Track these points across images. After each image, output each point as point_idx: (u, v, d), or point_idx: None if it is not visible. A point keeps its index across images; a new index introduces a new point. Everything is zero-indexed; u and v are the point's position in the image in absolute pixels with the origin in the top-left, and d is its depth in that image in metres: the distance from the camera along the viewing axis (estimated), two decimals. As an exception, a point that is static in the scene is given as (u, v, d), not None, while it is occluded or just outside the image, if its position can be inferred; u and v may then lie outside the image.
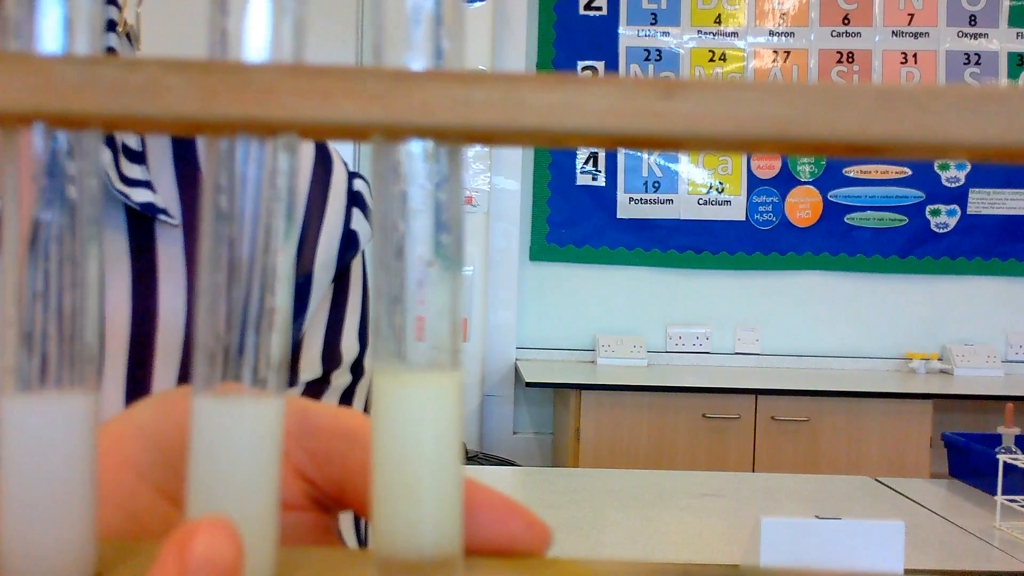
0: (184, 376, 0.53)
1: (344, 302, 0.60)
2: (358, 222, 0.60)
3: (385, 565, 0.21)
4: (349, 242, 0.60)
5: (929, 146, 0.15)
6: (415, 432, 0.20)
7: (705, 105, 0.15)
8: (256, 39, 0.19)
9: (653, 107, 0.15)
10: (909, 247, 3.54)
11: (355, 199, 0.61)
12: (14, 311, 0.19)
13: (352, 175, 0.61)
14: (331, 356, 0.59)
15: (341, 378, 0.59)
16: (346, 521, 0.55)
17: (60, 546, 0.21)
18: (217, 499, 0.21)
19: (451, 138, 0.17)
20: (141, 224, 0.53)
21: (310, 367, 0.58)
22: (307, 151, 0.59)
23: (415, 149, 0.18)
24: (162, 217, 0.52)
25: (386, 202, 0.18)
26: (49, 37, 0.18)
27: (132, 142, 0.54)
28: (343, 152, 0.63)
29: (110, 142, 0.52)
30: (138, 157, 0.54)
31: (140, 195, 0.52)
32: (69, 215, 0.19)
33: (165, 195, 0.54)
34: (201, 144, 0.56)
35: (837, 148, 0.16)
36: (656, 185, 3.53)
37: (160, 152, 0.55)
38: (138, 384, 0.52)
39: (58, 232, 0.19)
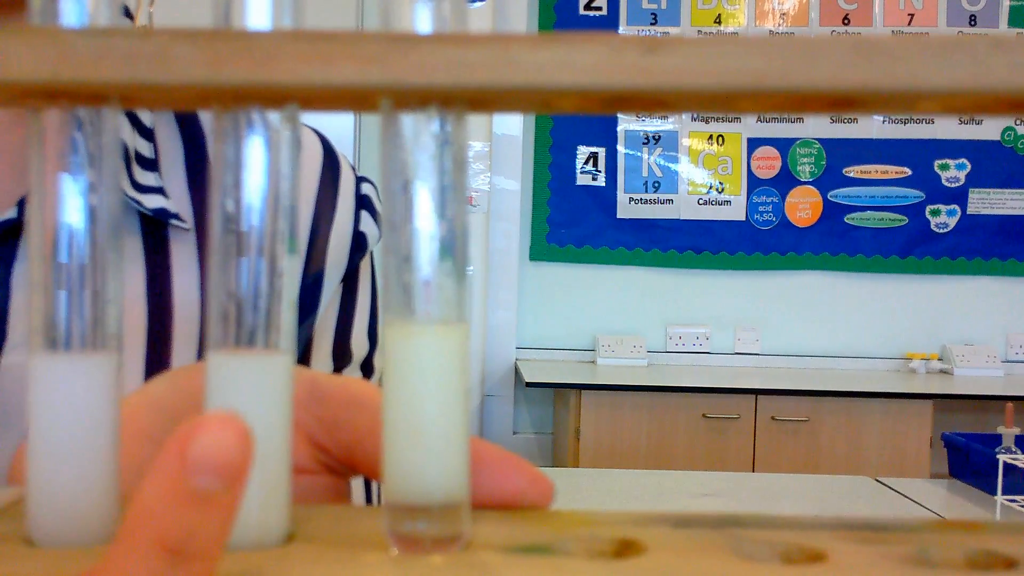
0: (201, 359, 0.54)
1: (354, 302, 0.62)
2: (366, 224, 0.62)
3: (395, 510, 0.22)
4: (358, 243, 0.61)
5: (902, 94, 0.16)
6: (424, 381, 0.21)
7: (688, 59, 0.16)
8: (258, 9, 0.20)
9: (639, 62, 0.16)
10: (909, 247, 3.54)
11: (363, 202, 0.62)
12: (42, 274, 0.20)
13: (360, 179, 0.63)
14: (341, 354, 0.61)
15: (351, 375, 0.61)
16: (356, 488, 0.56)
17: (86, 502, 0.22)
18: None
19: (448, 99, 0.18)
20: (154, 229, 0.54)
21: (321, 365, 0.59)
22: (315, 155, 0.61)
23: (420, 116, 0.19)
24: (174, 222, 0.54)
25: (392, 164, 0.19)
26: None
27: (145, 149, 0.55)
28: (345, 152, 0.65)
29: (122, 150, 0.54)
30: (150, 164, 0.55)
31: (152, 201, 0.53)
32: (94, 183, 0.20)
33: (178, 200, 0.55)
34: (212, 148, 0.57)
35: (815, 100, 0.16)
36: (656, 185, 3.54)
37: (173, 158, 0.57)
38: (157, 371, 0.53)
39: (82, 202, 0.20)
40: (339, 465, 0.30)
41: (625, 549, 0.23)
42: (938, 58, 0.16)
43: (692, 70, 0.16)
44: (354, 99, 0.18)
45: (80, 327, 0.21)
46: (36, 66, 0.18)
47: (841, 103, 0.17)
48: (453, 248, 0.20)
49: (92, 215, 0.21)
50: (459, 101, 0.18)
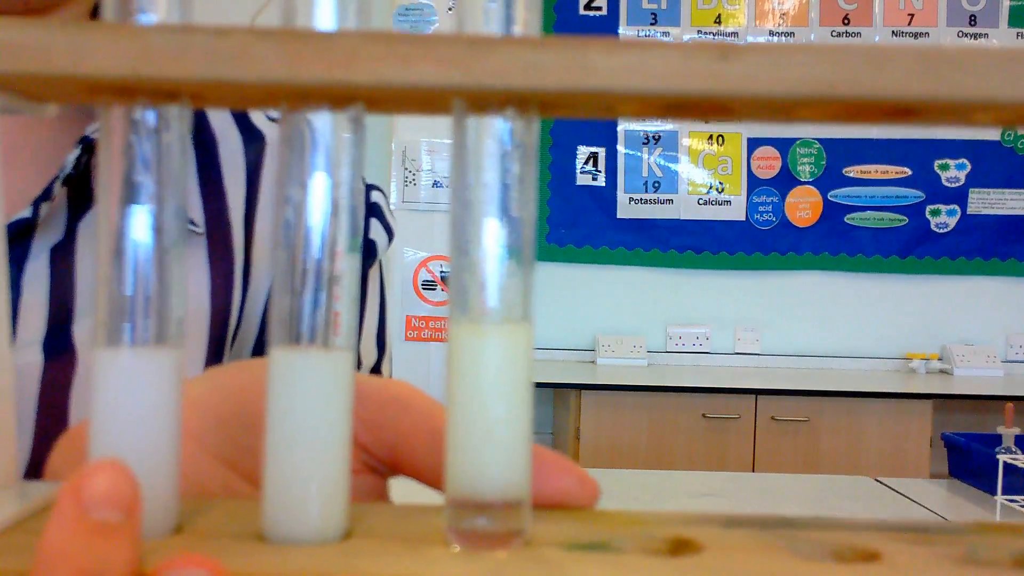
0: (211, 359, 0.55)
1: (362, 309, 0.62)
2: (376, 232, 0.62)
3: (457, 506, 0.22)
4: (368, 251, 0.62)
5: (964, 105, 0.16)
6: (489, 379, 0.21)
7: (758, 67, 0.17)
8: (324, 10, 0.20)
9: (711, 68, 0.17)
10: (909, 247, 3.55)
11: (373, 210, 0.63)
12: (109, 270, 0.20)
13: (369, 187, 0.64)
14: None
15: None
16: None
17: (148, 494, 0.22)
18: (293, 444, 0.22)
19: (522, 102, 0.18)
20: None
21: None
22: None
23: (492, 120, 0.19)
24: (187, 226, 0.54)
25: (462, 164, 0.20)
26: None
27: None
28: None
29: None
30: None
31: None
32: (156, 183, 0.21)
33: (189, 205, 0.56)
34: (224, 154, 0.58)
35: (877, 108, 0.17)
36: (656, 185, 3.54)
37: None
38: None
39: (149, 199, 0.21)
40: (382, 466, 0.30)
41: (681, 547, 0.23)
42: (1002, 69, 0.16)
43: (762, 77, 0.17)
44: (426, 100, 0.19)
45: (144, 321, 0.22)
46: (117, 61, 0.18)
47: (901, 112, 0.17)
48: (520, 248, 0.21)
49: (158, 212, 0.21)
50: (531, 105, 0.18)
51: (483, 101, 0.19)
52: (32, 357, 0.49)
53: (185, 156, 0.21)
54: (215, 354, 0.55)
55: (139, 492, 0.20)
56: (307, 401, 0.22)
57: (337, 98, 0.19)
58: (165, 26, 0.19)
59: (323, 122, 0.20)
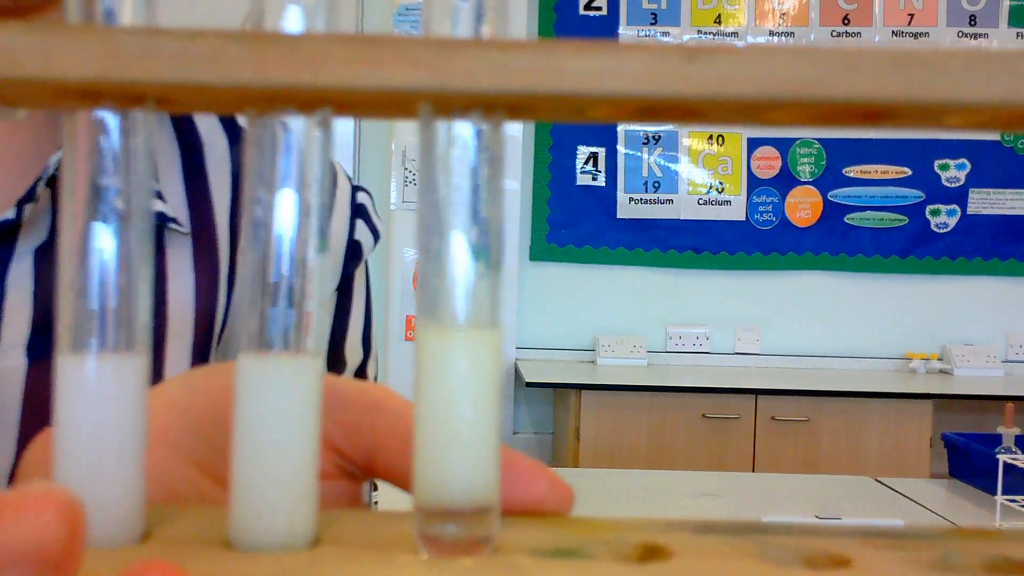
0: (197, 361, 0.55)
1: (348, 310, 0.62)
2: (361, 233, 0.62)
3: (425, 513, 0.22)
4: (353, 252, 0.62)
5: (938, 107, 0.16)
6: (457, 384, 0.21)
7: (727, 69, 0.16)
8: (292, 13, 0.20)
9: (679, 71, 0.17)
10: (909, 247, 3.55)
11: (359, 211, 0.63)
12: (73, 274, 0.20)
13: (356, 188, 0.64)
14: (335, 362, 0.61)
15: None
16: None
17: (112, 504, 0.22)
18: (260, 451, 0.22)
19: (490, 105, 0.18)
20: None
21: None
22: None
23: (459, 123, 0.19)
24: (172, 226, 0.54)
25: (430, 170, 0.20)
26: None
27: None
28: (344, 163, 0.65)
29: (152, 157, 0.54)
30: None
31: None
32: (124, 186, 0.21)
33: (174, 205, 0.56)
34: (210, 155, 0.58)
35: (850, 112, 0.17)
36: (656, 185, 3.54)
37: (169, 163, 0.57)
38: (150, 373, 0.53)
39: (114, 202, 0.20)
40: (357, 470, 0.30)
41: (651, 554, 0.23)
42: (976, 71, 0.16)
43: (732, 78, 0.16)
44: (394, 104, 0.19)
45: (109, 328, 0.21)
46: (83, 64, 0.18)
47: (874, 115, 0.17)
48: (487, 252, 0.21)
49: (123, 217, 0.21)
50: (500, 108, 0.18)
51: (450, 104, 0.19)
52: (15, 361, 0.49)
53: (150, 161, 0.21)
54: (200, 355, 0.55)
55: (80, 537, 0.16)
56: (274, 407, 0.22)
57: (305, 101, 0.19)
58: (132, 28, 0.19)
59: (291, 124, 0.20)
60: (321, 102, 0.19)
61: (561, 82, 0.17)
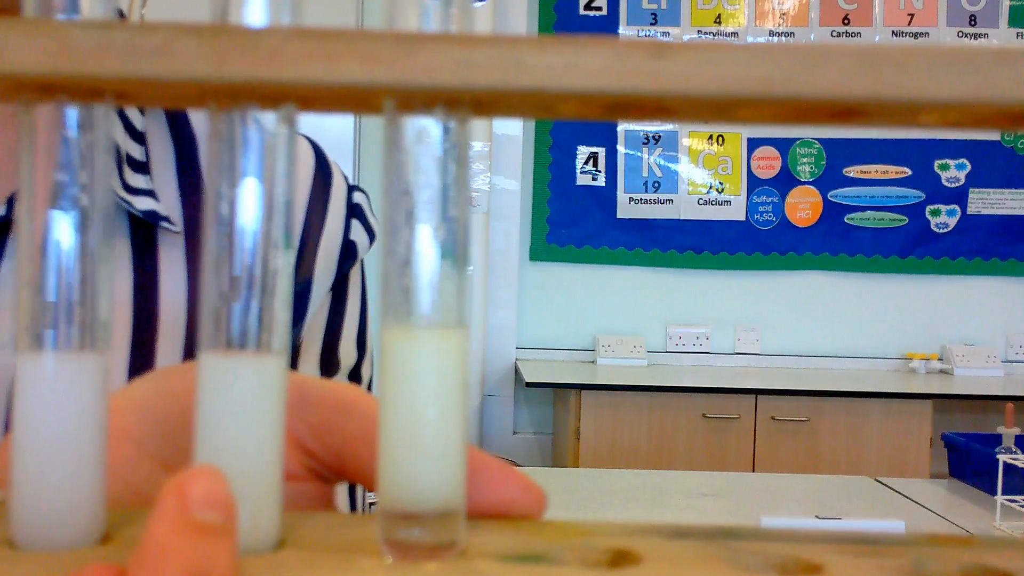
0: (188, 358, 0.54)
1: (343, 310, 0.62)
2: (357, 233, 0.62)
3: (390, 517, 0.21)
4: (348, 252, 0.61)
5: (904, 105, 0.16)
6: (421, 386, 0.21)
7: (693, 65, 0.16)
8: (256, 6, 0.20)
9: (646, 67, 0.16)
10: (909, 247, 3.54)
11: (354, 211, 0.62)
12: (30, 271, 0.20)
13: (352, 188, 0.63)
14: (329, 362, 0.61)
15: None
16: (340, 495, 0.56)
17: (71, 504, 0.21)
18: (223, 451, 0.21)
19: (453, 101, 0.18)
20: (143, 231, 0.54)
21: (308, 373, 0.59)
22: (306, 163, 0.61)
23: (425, 120, 0.18)
24: (164, 224, 0.54)
25: (394, 166, 0.19)
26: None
27: (136, 152, 0.55)
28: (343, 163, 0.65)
29: (114, 152, 0.53)
30: (142, 167, 0.55)
31: (143, 203, 0.53)
32: (85, 181, 0.20)
33: (168, 203, 0.55)
34: (204, 152, 0.57)
35: (817, 109, 0.16)
36: (656, 185, 3.54)
37: (164, 162, 0.56)
38: (141, 373, 0.53)
39: (72, 197, 0.20)
40: (328, 471, 0.29)
41: (620, 559, 0.22)
42: (942, 69, 0.16)
43: (698, 75, 0.16)
44: (356, 99, 0.18)
45: (68, 326, 0.21)
46: (35, 58, 0.18)
47: (842, 113, 0.16)
48: (454, 251, 0.20)
49: (83, 213, 0.21)
50: (464, 104, 0.18)
51: (413, 100, 0.18)
52: (5, 359, 0.48)
53: (110, 156, 0.21)
54: (191, 354, 0.55)
55: (234, 498, 0.20)
56: (236, 407, 0.21)
57: (266, 96, 0.19)
58: (86, 21, 0.18)
59: (254, 119, 0.20)
60: (283, 97, 0.19)
61: (524, 78, 0.17)
